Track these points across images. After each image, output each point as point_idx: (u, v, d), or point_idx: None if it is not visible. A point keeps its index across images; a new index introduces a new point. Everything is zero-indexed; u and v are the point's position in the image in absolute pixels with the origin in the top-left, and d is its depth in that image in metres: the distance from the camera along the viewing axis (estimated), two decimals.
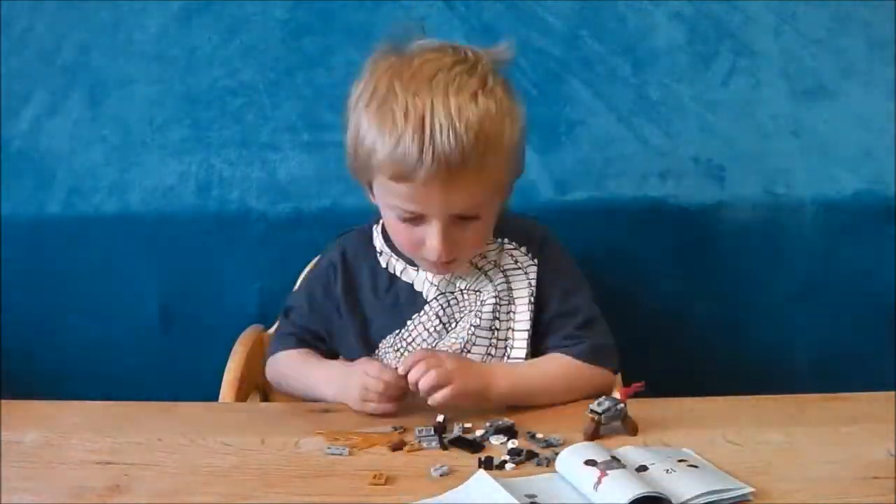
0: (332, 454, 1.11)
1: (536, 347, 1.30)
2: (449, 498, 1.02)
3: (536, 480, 1.04)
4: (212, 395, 1.36)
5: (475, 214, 1.20)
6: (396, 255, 1.31)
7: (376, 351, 1.31)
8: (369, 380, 1.19)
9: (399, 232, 1.24)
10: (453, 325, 1.29)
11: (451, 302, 1.30)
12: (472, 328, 1.28)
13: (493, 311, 1.28)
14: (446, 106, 1.14)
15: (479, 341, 1.29)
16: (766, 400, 1.22)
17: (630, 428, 1.13)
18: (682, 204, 1.60)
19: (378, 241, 1.34)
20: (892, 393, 1.20)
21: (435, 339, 1.29)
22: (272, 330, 1.53)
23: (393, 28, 1.25)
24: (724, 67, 1.68)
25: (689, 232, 1.62)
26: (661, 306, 1.65)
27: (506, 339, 1.30)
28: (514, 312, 1.30)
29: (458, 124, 1.13)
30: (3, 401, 1.23)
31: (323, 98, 1.67)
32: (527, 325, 1.29)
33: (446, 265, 1.25)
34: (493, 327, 1.29)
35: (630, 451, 1.06)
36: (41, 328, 1.70)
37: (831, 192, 1.60)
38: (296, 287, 1.44)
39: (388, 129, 1.15)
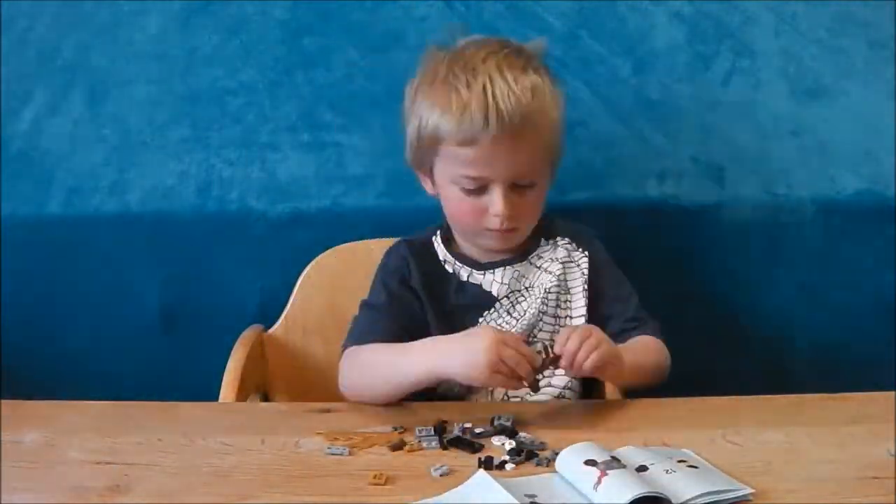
0: (333, 454, 1.11)
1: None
2: (449, 498, 1.02)
3: (536, 480, 1.04)
4: (212, 395, 1.36)
5: (531, 182, 1.30)
6: (461, 262, 1.38)
7: None
8: (507, 350, 1.15)
9: (462, 206, 1.31)
10: (524, 317, 1.35)
11: (520, 299, 1.36)
12: (540, 314, 1.35)
13: (556, 299, 1.36)
14: (503, 76, 1.26)
15: (545, 327, 1.36)
16: (766, 400, 1.22)
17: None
18: (682, 204, 1.60)
19: (441, 251, 1.39)
20: (892, 393, 1.20)
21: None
22: (271, 330, 1.53)
23: (439, 31, 1.40)
24: (724, 67, 1.68)
25: (689, 232, 1.62)
26: (660, 306, 1.65)
27: (566, 326, 1.34)
28: (570, 301, 1.38)
29: (516, 87, 1.26)
30: (3, 401, 1.23)
31: (323, 98, 1.67)
32: (582, 312, 1.37)
33: (508, 233, 1.32)
34: (556, 315, 1.37)
35: (630, 451, 1.06)
36: (41, 328, 1.70)
37: (831, 192, 1.60)
38: (370, 287, 1.39)
39: (453, 101, 1.26)
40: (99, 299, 1.67)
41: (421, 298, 1.36)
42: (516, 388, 1.23)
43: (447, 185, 1.32)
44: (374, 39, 1.69)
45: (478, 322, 1.35)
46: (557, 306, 1.37)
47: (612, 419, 1.17)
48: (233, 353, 1.43)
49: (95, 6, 1.75)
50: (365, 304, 1.38)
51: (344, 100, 1.67)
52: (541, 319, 1.36)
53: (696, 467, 1.04)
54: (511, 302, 1.36)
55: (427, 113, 1.29)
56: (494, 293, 1.36)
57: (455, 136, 1.27)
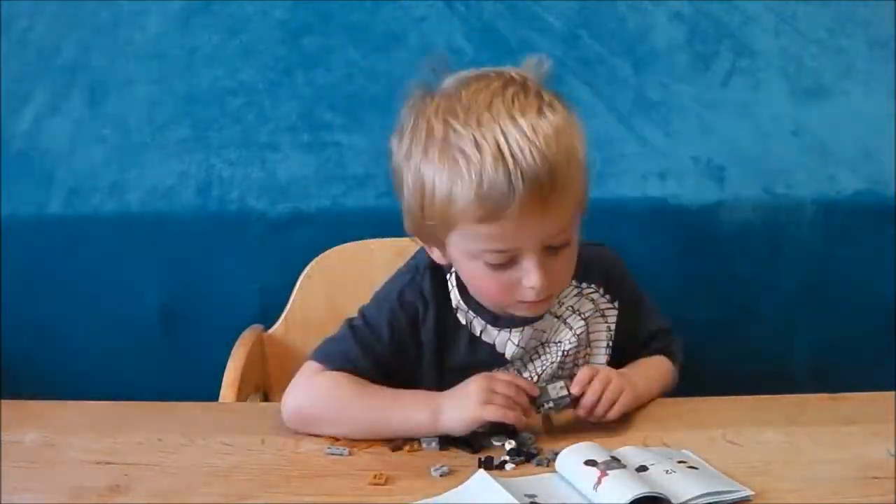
0: (333, 454, 1.11)
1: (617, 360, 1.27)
2: (449, 498, 1.02)
3: (536, 480, 1.04)
4: (212, 395, 1.36)
5: (566, 240, 1.10)
6: (475, 312, 1.19)
7: None
8: (498, 382, 1.10)
9: (488, 282, 1.11)
10: (536, 379, 1.21)
11: (534, 357, 1.22)
12: (554, 379, 1.18)
13: (573, 357, 1.23)
14: (518, 127, 1.04)
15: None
16: (766, 400, 1.22)
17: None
18: (682, 204, 1.60)
19: (454, 296, 1.20)
20: (892, 393, 1.19)
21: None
22: (271, 330, 1.53)
23: (418, 69, 1.13)
24: (724, 67, 1.68)
25: (689, 232, 1.62)
26: (660, 306, 1.65)
27: None
28: (590, 356, 1.24)
29: (538, 142, 1.03)
30: (3, 401, 1.23)
31: (323, 98, 1.67)
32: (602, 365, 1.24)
33: (543, 302, 1.13)
34: (572, 373, 1.17)
35: (630, 452, 1.06)
36: (41, 328, 1.70)
37: (831, 192, 1.60)
38: (372, 301, 1.23)
39: (463, 169, 1.04)
40: (99, 299, 1.67)
41: (423, 352, 1.20)
42: (518, 421, 1.10)
43: (466, 260, 1.11)
44: (374, 39, 1.69)
45: None
46: (574, 364, 1.22)
47: (612, 421, 1.17)
48: (233, 353, 1.43)
49: (95, 6, 1.75)
50: (359, 327, 1.19)
51: (344, 100, 1.67)
52: (551, 378, 1.20)
53: (695, 468, 1.04)
54: (524, 363, 1.21)
55: (431, 183, 1.06)
56: (507, 356, 1.20)
57: (475, 209, 1.04)
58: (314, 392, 1.16)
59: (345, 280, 1.50)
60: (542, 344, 1.22)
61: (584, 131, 1.13)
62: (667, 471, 1.01)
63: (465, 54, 1.64)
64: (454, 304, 1.20)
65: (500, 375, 1.14)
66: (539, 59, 1.13)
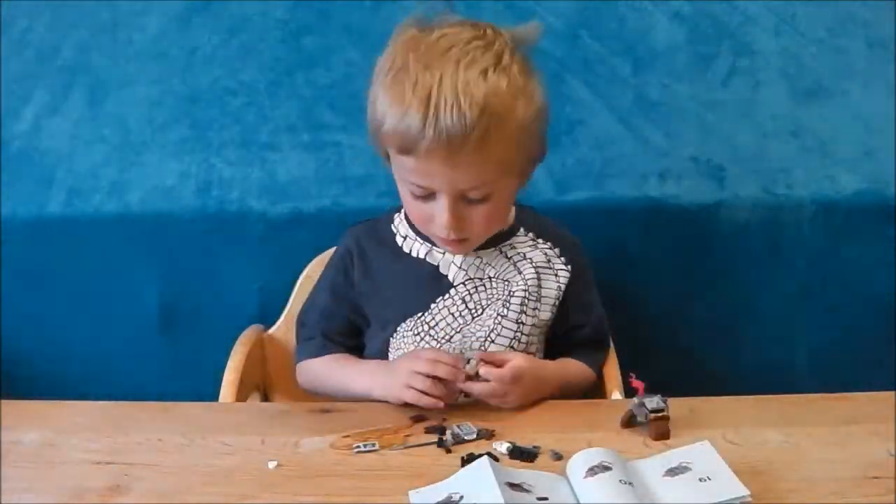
0: (363, 451, 1.11)
1: (552, 345, 1.34)
2: (441, 487, 1.02)
3: (544, 477, 1.04)
4: (212, 395, 1.36)
5: (485, 195, 1.19)
6: (421, 238, 1.30)
7: (393, 335, 1.30)
8: (420, 362, 1.18)
9: (411, 206, 1.24)
10: (479, 312, 1.29)
11: (480, 288, 1.29)
12: (500, 318, 1.28)
13: (521, 305, 1.29)
14: (454, 81, 1.12)
15: (504, 332, 1.29)
16: (766, 400, 1.22)
17: (654, 432, 1.13)
18: (682, 204, 1.60)
19: (402, 227, 1.33)
20: (892, 393, 1.20)
21: (460, 325, 1.29)
22: (271, 330, 1.53)
23: (422, 4, 1.23)
24: (724, 67, 1.68)
25: (689, 232, 1.62)
26: (661, 306, 1.65)
27: (528, 335, 1.30)
28: (539, 310, 1.30)
29: (462, 100, 1.12)
30: (3, 401, 1.23)
31: (323, 98, 1.67)
32: (546, 326, 1.32)
33: (457, 243, 1.24)
34: (519, 321, 1.29)
35: (644, 464, 1.05)
36: (41, 328, 1.70)
37: (831, 192, 1.60)
38: (310, 293, 1.41)
39: (397, 101, 1.15)
40: (99, 299, 1.67)
41: (362, 295, 1.32)
42: (433, 406, 1.17)
43: (399, 181, 1.24)
44: (374, 39, 1.68)
45: (430, 308, 1.29)
46: (522, 312, 1.29)
47: (612, 419, 1.17)
48: (233, 353, 1.43)
49: (95, 6, 1.75)
50: (303, 315, 1.38)
51: (344, 100, 1.67)
52: (500, 323, 1.28)
53: (706, 479, 1.03)
54: (468, 290, 1.29)
55: (379, 100, 1.19)
56: (450, 278, 1.29)
57: (393, 138, 1.17)
58: (305, 383, 1.36)
59: None
60: (490, 279, 1.29)
61: (541, 100, 1.20)
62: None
63: None
64: (402, 233, 1.32)
65: (425, 353, 1.20)
66: (535, 26, 1.23)
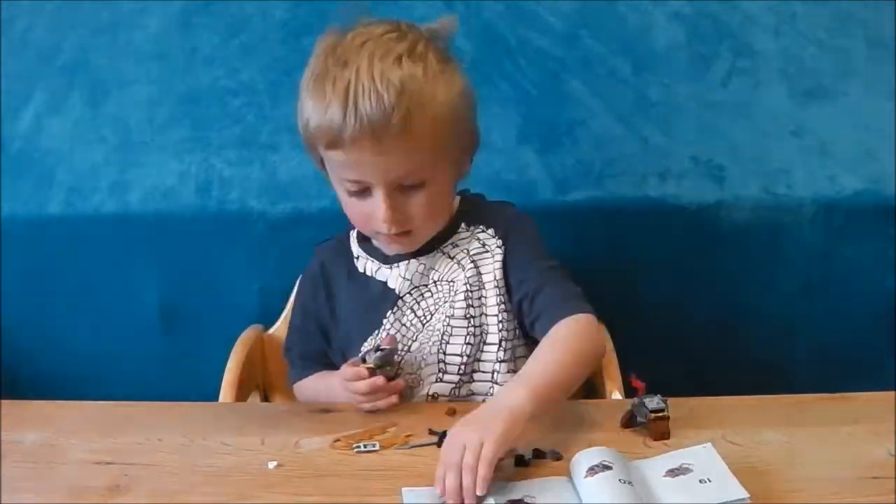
0: (363, 451, 1.11)
1: (525, 324, 1.28)
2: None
3: (541, 483, 1.04)
4: (212, 395, 1.36)
5: (418, 182, 1.20)
6: (370, 255, 1.32)
7: (358, 354, 1.29)
8: (349, 384, 1.22)
9: (350, 208, 1.25)
10: (428, 318, 1.29)
11: (426, 294, 1.30)
12: (447, 319, 1.28)
13: (465, 300, 1.28)
14: (370, 70, 1.15)
15: (455, 332, 1.28)
16: (766, 400, 1.22)
17: (655, 432, 1.13)
18: (682, 204, 1.60)
19: (355, 247, 1.35)
20: (892, 393, 1.20)
21: (413, 334, 1.29)
22: (271, 330, 1.53)
23: (342, 12, 1.26)
24: (724, 67, 1.68)
25: (689, 232, 1.62)
26: (661, 306, 1.65)
27: (481, 325, 1.28)
28: (484, 297, 1.29)
29: (379, 86, 1.14)
30: (3, 401, 1.23)
31: None
32: (496, 310, 1.28)
33: (400, 238, 1.24)
34: (468, 315, 1.28)
35: (645, 464, 1.05)
36: (41, 328, 1.70)
37: (831, 192, 1.60)
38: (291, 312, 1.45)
39: (319, 100, 1.18)
40: (99, 299, 1.67)
41: (327, 314, 1.35)
42: (389, 405, 1.22)
43: (336, 185, 1.25)
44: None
45: (383, 323, 1.30)
46: (469, 306, 1.27)
47: (612, 419, 1.17)
48: (233, 353, 1.43)
49: (95, 6, 1.75)
50: (289, 332, 1.41)
51: None
52: (449, 324, 1.28)
53: (706, 481, 1.03)
54: (415, 299, 1.30)
55: (303, 109, 1.21)
56: (397, 290, 1.30)
57: (320, 136, 1.19)
58: (300, 400, 1.38)
59: None
60: (435, 283, 1.30)
61: (462, 85, 1.22)
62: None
63: (466, 54, 1.64)
64: (355, 253, 1.34)
65: (345, 374, 1.23)
66: (450, 19, 1.25)
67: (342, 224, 1.48)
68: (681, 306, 1.65)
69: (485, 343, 1.29)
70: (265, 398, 1.51)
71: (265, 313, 1.58)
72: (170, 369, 1.69)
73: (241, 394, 1.38)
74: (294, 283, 1.51)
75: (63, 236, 1.64)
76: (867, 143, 1.63)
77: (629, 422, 1.15)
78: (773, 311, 1.67)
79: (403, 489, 1.03)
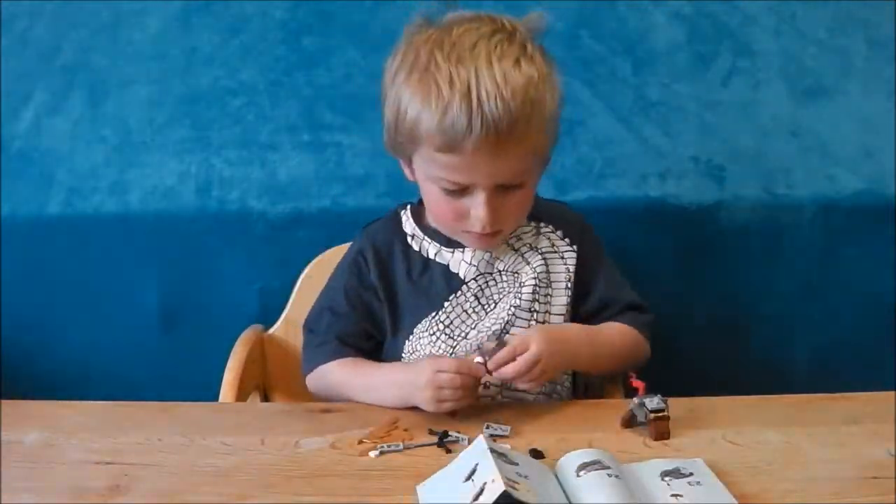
0: (386, 452, 1.11)
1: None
2: (445, 473, 1.02)
3: (537, 466, 1.04)
4: (212, 395, 1.36)
5: (519, 183, 1.20)
6: (430, 237, 1.30)
7: (410, 336, 1.29)
8: (443, 377, 1.16)
9: (441, 205, 1.22)
10: (492, 307, 1.29)
11: (490, 283, 1.29)
12: (513, 308, 1.28)
13: (532, 293, 1.28)
14: (491, 73, 1.13)
15: (518, 322, 1.28)
16: (766, 400, 1.22)
17: (654, 432, 1.13)
18: (682, 204, 1.60)
19: (409, 226, 1.32)
20: (892, 393, 1.20)
21: (474, 321, 1.29)
22: (271, 330, 1.53)
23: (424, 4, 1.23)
24: (724, 67, 1.68)
25: (689, 232, 1.62)
26: (660, 306, 1.65)
27: (543, 322, 1.29)
28: (551, 296, 1.30)
29: (504, 91, 1.12)
30: (3, 401, 1.23)
31: (323, 98, 1.67)
32: (563, 311, 1.30)
33: (490, 237, 1.24)
34: (533, 309, 1.28)
35: (640, 468, 1.05)
36: (41, 328, 1.70)
37: (831, 192, 1.60)
38: (318, 297, 1.37)
39: (433, 98, 1.14)
40: (99, 299, 1.67)
41: (380, 297, 1.30)
42: (471, 402, 1.18)
43: (426, 181, 1.22)
44: (374, 39, 1.69)
45: (443, 307, 1.28)
46: (535, 300, 1.29)
47: (612, 419, 1.17)
48: (233, 353, 1.43)
49: (95, 6, 1.75)
50: (314, 320, 1.34)
51: (344, 100, 1.67)
52: (513, 314, 1.28)
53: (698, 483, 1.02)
54: (479, 286, 1.29)
55: (405, 104, 1.17)
56: (461, 275, 1.29)
57: (434, 139, 1.15)
58: (319, 392, 1.31)
59: None
60: (500, 272, 1.29)
61: (559, 87, 1.22)
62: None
63: None
64: (409, 232, 1.31)
65: (443, 366, 1.17)
66: (539, 15, 1.22)
67: (342, 224, 1.49)
68: (681, 306, 1.65)
69: None
70: (265, 398, 1.51)
71: (265, 313, 1.58)
72: (170, 369, 1.69)
73: (241, 394, 1.38)
74: (294, 283, 1.51)
75: (63, 236, 1.64)
76: (867, 143, 1.63)
77: (629, 422, 1.15)
78: (773, 311, 1.67)
79: (418, 487, 1.03)
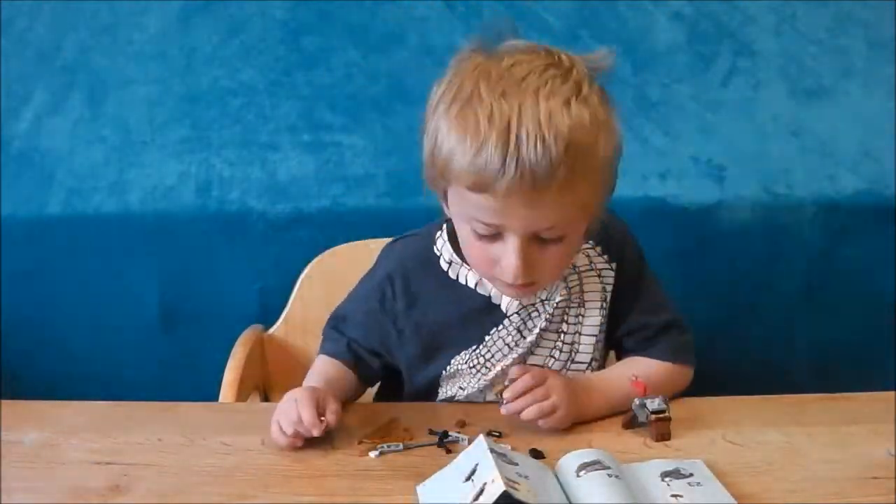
0: (386, 452, 1.11)
1: (612, 351, 1.28)
2: (444, 472, 1.02)
3: (536, 465, 1.04)
4: (212, 395, 1.36)
5: (558, 236, 1.07)
6: (468, 264, 1.18)
7: (447, 367, 1.22)
8: (284, 406, 1.12)
9: (473, 247, 1.11)
10: (535, 338, 1.20)
11: (533, 315, 1.19)
12: (539, 330, 1.19)
13: (562, 312, 1.20)
14: (535, 112, 1.01)
15: (543, 343, 1.20)
16: (766, 400, 1.22)
17: (655, 433, 1.12)
18: (682, 204, 1.60)
19: (446, 251, 1.20)
20: (892, 393, 1.20)
21: (513, 352, 1.20)
22: (271, 330, 1.53)
23: (483, 27, 1.11)
24: (724, 67, 1.68)
25: (689, 232, 1.62)
26: None
27: (572, 343, 1.21)
28: (583, 316, 1.21)
29: (547, 133, 1.00)
30: (3, 401, 1.23)
31: (323, 98, 1.67)
32: (596, 331, 1.22)
33: (522, 288, 1.11)
34: (560, 330, 1.20)
35: (639, 468, 1.05)
36: (41, 328, 1.70)
37: (831, 192, 1.60)
38: (347, 296, 1.30)
39: (470, 133, 1.02)
40: (99, 299, 1.67)
41: (398, 325, 1.21)
42: (296, 447, 1.10)
43: (459, 220, 1.11)
44: (374, 39, 1.69)
45: (484, 339, 1.20)
46: (564, 321, 1.20)
47: (611, 420, 1.17)
48: (233, 353, 1.43)
49: (95, 6, 1.75)
50: (339, 317, 1.27)
51: (344, 100, 1.67)
52: (538, 335, 1.19)
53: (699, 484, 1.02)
54: (522, 319, 1.19)
55: (444, 132, 1.05)
56: (503, 308, 1.19)
57: (467, 176, 1.03)
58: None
59: (344, 280, 1.49)
60: (542, 301, 1.19)
61: (618, 135, 1.10)
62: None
63: None
64: (447, 258, 1.20)
65: (302, 398, 1.12)
66: (606, 53, 1.11)
67: (342, 224, 1.49)
68: (681, 306, 1.65)
69: (573, 361, 1.22)
70: (265, 398, 1.51)
71: (265, 313, 1.58)
72: (170, 369, 1.69)
73: (241, 394, 1.38)
74: (294, 283, 1.51)
75: (63, 236, 1.64)
76: (867, 143, 1.63)
77: (630, 422, 1.15)
78: (773, 311, 1.67)
79: (418, 487, 1.03)
